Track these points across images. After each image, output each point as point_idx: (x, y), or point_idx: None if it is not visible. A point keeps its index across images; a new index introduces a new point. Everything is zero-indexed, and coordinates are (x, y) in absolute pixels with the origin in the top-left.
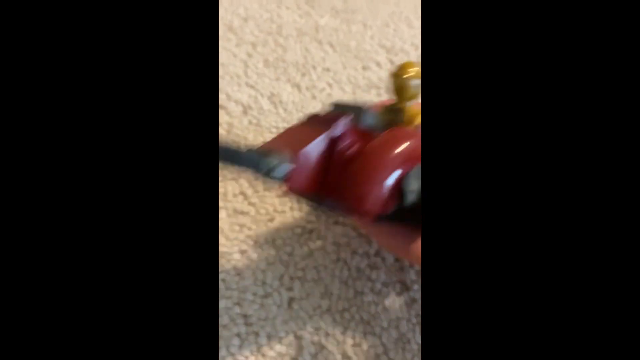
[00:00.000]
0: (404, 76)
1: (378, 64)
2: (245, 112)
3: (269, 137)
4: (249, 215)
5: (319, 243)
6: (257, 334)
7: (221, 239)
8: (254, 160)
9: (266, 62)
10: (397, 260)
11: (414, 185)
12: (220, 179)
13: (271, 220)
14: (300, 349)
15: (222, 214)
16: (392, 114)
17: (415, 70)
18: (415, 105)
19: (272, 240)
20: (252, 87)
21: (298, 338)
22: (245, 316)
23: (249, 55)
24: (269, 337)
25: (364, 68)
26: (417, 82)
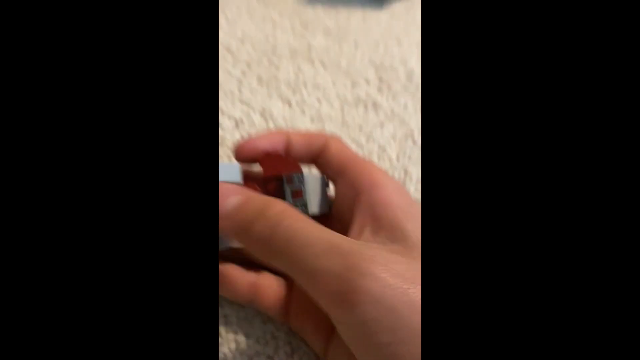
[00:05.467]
0: None
1: (367, 81)
2: (237, 126)
3: None
4: None
5: None
6: (235, 333)
7: None
8: None
9: (260, 80)
10: None
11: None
12: None
13: None
14: (276, 348)
15: None
16: None
17: None
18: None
19: None
20: (245, 103)
21: (275, 338)
22: (225, 316)
23: (244, 73)
24: (247, 336)
25: (353, 84)
26: None
